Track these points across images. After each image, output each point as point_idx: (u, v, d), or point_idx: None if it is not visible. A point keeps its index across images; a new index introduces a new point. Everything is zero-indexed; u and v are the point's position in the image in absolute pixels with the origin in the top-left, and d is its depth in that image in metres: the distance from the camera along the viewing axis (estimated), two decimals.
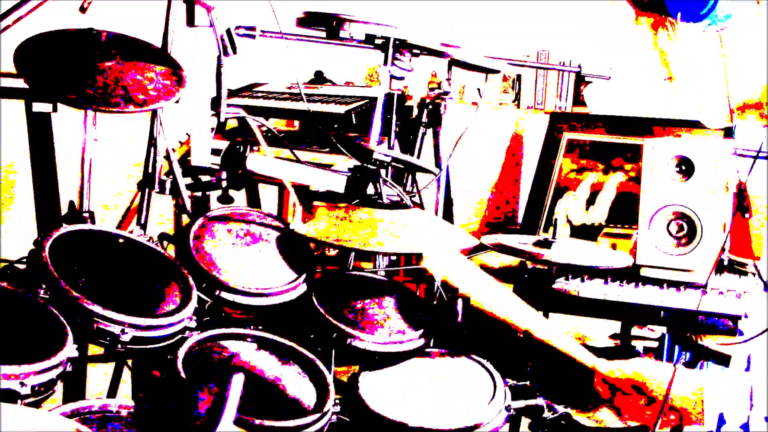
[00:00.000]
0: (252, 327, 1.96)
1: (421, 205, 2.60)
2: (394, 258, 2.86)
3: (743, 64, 1.10)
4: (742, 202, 1.26)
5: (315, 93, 3.23)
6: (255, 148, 2.29)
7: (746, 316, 1.20)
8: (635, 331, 3.10)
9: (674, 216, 2.64)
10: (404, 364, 2.01)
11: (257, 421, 1.61)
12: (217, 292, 1.97)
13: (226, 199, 2.31)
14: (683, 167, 2.63)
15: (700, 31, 1.05)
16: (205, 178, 2.32)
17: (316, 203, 2.94)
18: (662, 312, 2.61)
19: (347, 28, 2.52)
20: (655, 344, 3.13)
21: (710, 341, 2.62)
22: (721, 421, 1.21)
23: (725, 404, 1.22)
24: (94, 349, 1.94)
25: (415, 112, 2.97)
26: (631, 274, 2.66)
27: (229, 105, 2.26)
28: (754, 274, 2.43)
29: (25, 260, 1.79)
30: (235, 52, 2.20)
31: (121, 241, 1.98)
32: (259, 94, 3.31)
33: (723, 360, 2.41)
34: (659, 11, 1.06)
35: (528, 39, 4.15)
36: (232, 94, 3.18)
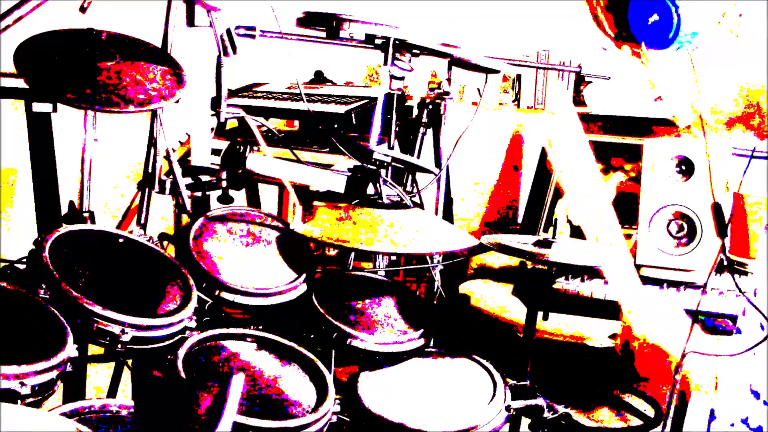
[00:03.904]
0: (252, 327, 1.96)
1: (421, 205, 2.60)
2: (394, 258, 2.86)
3: (721, 80, 1.11)
4: (720, 222, 1.26)
5: (315, 93, 3.23)
6: (255, 148, 2.29)
7: (744, 313, 1.20)
8: None
9: (674, 216, 2.63)
10: (404, 364, 2.01)
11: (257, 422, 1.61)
12: (217, 292, 1.97)
13: (226, 199, 2.31)
14: (683, 167, 2.63)
15: (672, 55, 1.06)
16: (205, 178, 2.32)
17: (316, 203, 2.94)
18: None
19: (347, 28, 2.52)
20: None
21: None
22: (712, 416, 1.22)
23: (718, 400, 1.22)
24: (94, 349, 1.94)
25: (415, 112, 2.97)
26: None
27: (229, 105, 2.26)
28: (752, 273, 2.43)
29: (25, 260, 1.79)
30: (235, 52, 2.20)
31: (121, 241, 1.98)
32: (259, 94, 3.31)
33: None
34: (631, 40, 1.08)
35: (528, 39, 4.15)
36: (232, 94, 3.18)
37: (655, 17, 1.05)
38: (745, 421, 1.12)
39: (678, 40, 1.06)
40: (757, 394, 1.10)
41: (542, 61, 4.19)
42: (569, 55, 3.85)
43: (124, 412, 1.66)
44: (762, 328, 1.12)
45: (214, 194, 2.35)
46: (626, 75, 1.19)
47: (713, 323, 2.55)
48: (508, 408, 1.89)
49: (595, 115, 3.82)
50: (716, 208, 1.27)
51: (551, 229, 2.31)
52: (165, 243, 2.15)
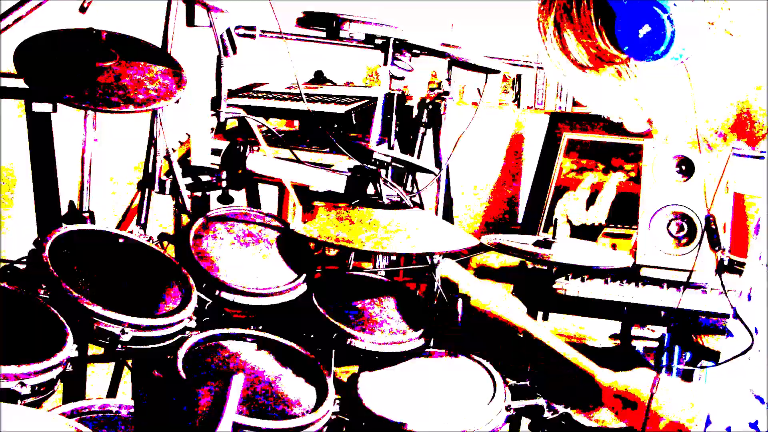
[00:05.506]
0: (252, 327, 1.96)
1: (421, 205, 2.60)
2: (394, 258, 2.86)
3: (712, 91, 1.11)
4: (711, 235, 1.25)
5: (315, 93, 3.23)
6: (255, 148, 2.29)
7: (735, 317, 1.20)
8: (635, 331, 3.10)
9: (674, 216, 2.64)
10: (404, 364, 2.00)
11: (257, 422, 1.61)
12: (217, 292, 1.97)
13: (226, 199, 2.31)
14: (683, 167, 2.63)
15: (663, 67, 1.05)
16: (205, 178, 2.32)
17: (316, 203, 2.94)
18: (662, 312, 2.61)
19: (347, 28, 2.52)
20: (655, 344, 3.13)
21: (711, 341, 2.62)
22: (708, 422, 1.21)
23: (714, 404, 1.22)
24: (94, 349, 1.94)
25: (415, 112, 2.97)
26: (631, 274, 2.66)
27: (229, 105, 2.26)
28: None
29: (25, 260, 1.79)
30: (235, 52, 2.19)
31: (121, 241, 1.98)
32: (259, 94, 3.31)
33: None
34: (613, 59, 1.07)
35: (528, 39, 4.14)
36: (232, 94, 3.18)
37: (646, 28, 1.04)
38: (753, 425, 1.11)
39: (672, 50, 1.04)
40: (761, 399, 1.09)
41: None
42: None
43: (124, 412, 1.66)
44: (756, 331, 1.11)
45: (214, 194, 2.35)
46: (610, 98, 1.18)
47: (712, 323, 2.55)
48: (508, 408, 1.89)
49: (596, 115, 3.82)
50: (707, 221, 1.26)
51: (551, 229, 2.32)
52: (165, 243, 2.15)
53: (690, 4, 1.03)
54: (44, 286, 1.67)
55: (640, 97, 1.13)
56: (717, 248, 1.29)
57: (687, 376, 2.78)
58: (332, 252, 3.27)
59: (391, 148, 2.70)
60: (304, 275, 2.10)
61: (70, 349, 1.58)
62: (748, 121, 1.10)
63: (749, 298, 1.14)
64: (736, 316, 1.15)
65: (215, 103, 2.23)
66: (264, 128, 2.42)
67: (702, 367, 2.61)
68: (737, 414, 1.13)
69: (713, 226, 1.26)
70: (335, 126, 2.98)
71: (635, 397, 1.64)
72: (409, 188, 2.79)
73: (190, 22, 2.26)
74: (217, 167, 2.31)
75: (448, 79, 2.81)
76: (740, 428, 1.12)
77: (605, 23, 1.06)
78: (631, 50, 1.06)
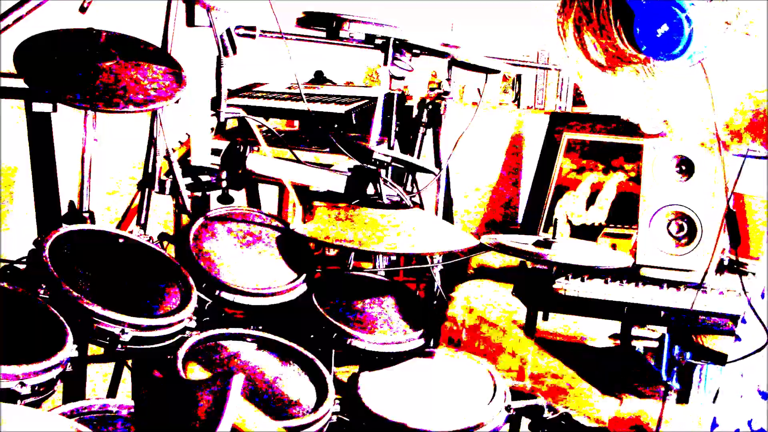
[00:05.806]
0: (252, 327, 1.96)
1: (421, 205, 2.60)
2: (394, 258, 2.86)
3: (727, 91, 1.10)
4: (734, 231, 1.25)
5: (315, 93, 3.23)
6: (255, 148, 2.29)
7: (744, 321, 1.20)
8: (635, 331, 3.10)
9: (674, 216, 2.63)
10: (404, 364, 2.00)
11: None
12: (217, 292, 1.97)
13: (226, 199, 2.31)
14: (683, 167, 2.63)
15: (679, 67, 1.05)
16: (205, 178, 2.32)
17: (316, 203, 2.94)
18: (662, 312, 2.60)
19: (347, 28, 2.52)
20: (655, 344, 3.13)
21: (710, 341, 2.62)
22: (714, 425, 1.21)
23: (718, 407, 1.21)
24: (94, 349, 1.94)
25: (415, 112, 2.97)
26: (631, 274, 2.66)
27: (229, 105, 2.26)
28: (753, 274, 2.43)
29: (25, 260, 1.79)
30: (235, 52, 2.20)
31: (121, 241, 1.98)
32: (259, 94, 3.31)
33: (721, 360, 2.41)
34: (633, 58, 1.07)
35: (528, 39, 4.14)
36: (232, 94, 3.18)
37: (664, 28, 1.04)
38: (749, 423, 1.11)
39: (690, 50, 1.04)
40: (764, 395, 1.09)
41: (542, 61, 4.19)
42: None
43: (124, 412, 1.66)
44: None
45: (214, 194, 2.35)
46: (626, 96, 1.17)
47: (713, 323, 2.55)
48: (508, 408, 1.89)
49: (596, 115, 3.82)
50: (730, 217, 1.25)
51: (551, 229, 2.31)
52: (165, 243, 2.15)
53: (708, 3, 1.04)
54: (44, 286, 1.67)
55: (657, 97, 1.13)
56: (737, 245, 1.29)
57: (686, 375, 2.78)
58: (332, 252, 3.27)
59: (391, 148, 2.70)
60: (304, 275, 2.10)
61: (70, 349, 1.58)
62: (765, 122, 1.10)
63: (762, 296, 1.14)
64: (743, 318, 1.15)
65: (215, 103, 2.24)
66: (264, 128, 2.42)
67: (708, 363, 2.60)
68: (742, 415, 1.13)
69: (733, 224, 1.26)
70: (335, 126, 2.98)
71: (642, 422, 1.63)
72: (409, 188, 2.79)
73: (190, 22, 2.26)
74: (217, 167, 2.31)
75: (448, 79, 2.81)
76: (745, 429, 1.12)
77: (624, 23, 1.07)
78: (649, 50, 1.06)
